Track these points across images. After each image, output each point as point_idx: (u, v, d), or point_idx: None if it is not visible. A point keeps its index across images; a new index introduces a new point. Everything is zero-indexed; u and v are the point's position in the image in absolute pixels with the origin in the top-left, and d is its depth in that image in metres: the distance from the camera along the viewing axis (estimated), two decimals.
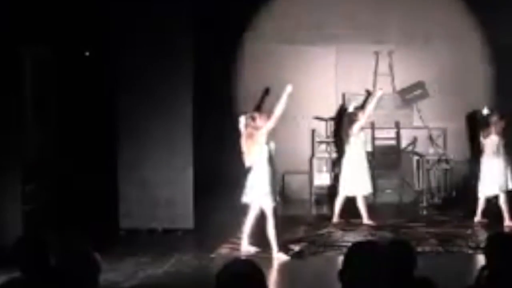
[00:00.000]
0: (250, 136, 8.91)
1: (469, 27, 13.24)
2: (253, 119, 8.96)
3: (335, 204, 11.22)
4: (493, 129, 10.74)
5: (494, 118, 10.81)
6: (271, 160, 8.93)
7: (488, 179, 10.74)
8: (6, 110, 9.40)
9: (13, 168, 9.50)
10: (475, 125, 11.89)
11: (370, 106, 11.34)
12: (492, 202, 10.96)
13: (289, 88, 9.06)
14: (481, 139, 10.87)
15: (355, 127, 10.92)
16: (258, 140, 8.87)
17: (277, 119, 8.95)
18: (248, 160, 8.94)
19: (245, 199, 9.00)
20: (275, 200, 8.93)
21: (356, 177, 10.96)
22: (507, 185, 10.76)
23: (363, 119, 10.99)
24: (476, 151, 11.34)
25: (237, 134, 9.17)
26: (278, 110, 8.97)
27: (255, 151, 8.87)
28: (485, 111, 11.14)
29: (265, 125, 8.89)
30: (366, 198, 11.15)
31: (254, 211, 9.05)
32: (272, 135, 9.11)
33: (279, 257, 8.94)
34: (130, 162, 10.54)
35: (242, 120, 9.04)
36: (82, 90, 11.92)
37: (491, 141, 10.75)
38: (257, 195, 8.87)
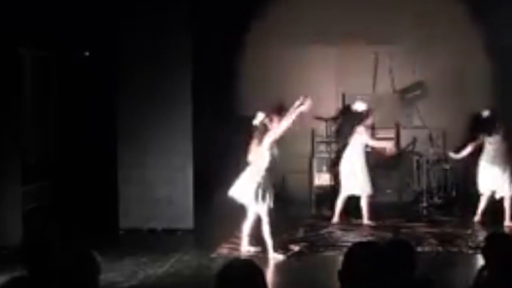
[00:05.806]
0: (261, 134, 8.90)
1: (469, 27, 13.23)
2: (271, 120, 8.94)
3: (335, 204, 11.22)
4: (492, 131, 10.72)
5: (495, 120, 10.79)
6: (272, 166, 8.92)
7: (489, 176, 10.72)
8: (6, 110, 9.40)
9: (13, 168, 9.50)
10: (475, 127, 11.82)
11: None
12: (492, 202, 10.94)
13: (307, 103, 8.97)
14: (483, 141, 10.84)
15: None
16: (263, 143, 8.89)
17: (283, 131, 8.93)
18: (250, 156, 8.95)
19: (231, 193, 8.98)
20: (269, 203, 8.93)
21: (358, 177, 10.96)
22: (509, 188, 10.73)
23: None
24: (476, 153, 11.28)
25: (236, 134, 9.15)
26: (286, 123, 8.93)
27: (257, 150, 8.89)
28: (486, 113, 10.97)
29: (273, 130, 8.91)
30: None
31: (252, 211, 9.05)
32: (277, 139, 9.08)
33: (275, 257, 8.95)
34: (130, 162, 10.54)
35: (260, 116, 9.00)
36: (82, 90, 11.92)
37: (491, 143, 10.74)
38: (250, 198, 8.88)
